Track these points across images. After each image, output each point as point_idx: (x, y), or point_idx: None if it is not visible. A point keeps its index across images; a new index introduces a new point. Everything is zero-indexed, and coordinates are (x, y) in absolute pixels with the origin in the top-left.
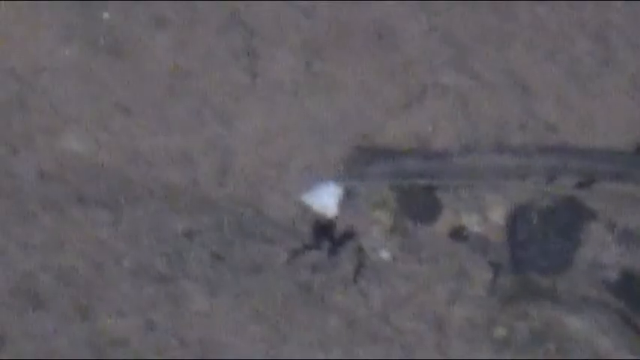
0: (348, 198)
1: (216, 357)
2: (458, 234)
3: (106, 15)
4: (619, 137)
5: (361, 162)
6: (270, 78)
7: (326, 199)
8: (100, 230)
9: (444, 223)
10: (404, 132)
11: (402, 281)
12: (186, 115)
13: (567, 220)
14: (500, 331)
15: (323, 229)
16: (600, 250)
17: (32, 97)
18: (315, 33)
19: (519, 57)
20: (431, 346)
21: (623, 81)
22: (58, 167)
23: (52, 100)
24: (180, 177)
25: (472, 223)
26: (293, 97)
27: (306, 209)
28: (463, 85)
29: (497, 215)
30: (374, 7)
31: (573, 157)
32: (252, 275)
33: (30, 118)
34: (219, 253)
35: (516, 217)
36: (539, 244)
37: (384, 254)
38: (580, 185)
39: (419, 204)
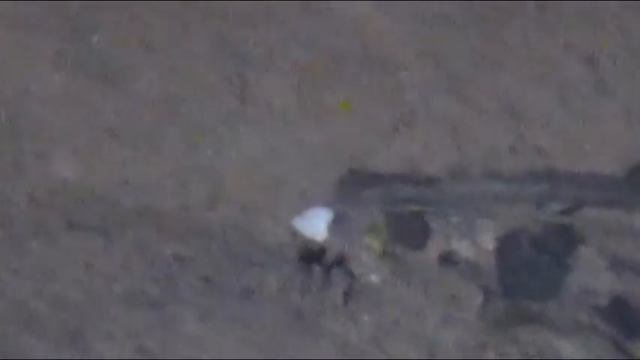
0: (338, 223)
1: None
2: (448, 259)
3: (95, 40)
4: (610, 162)
5: (352, 187)
6: (260, 103)
7: (316, 224)
8: (90, 256)
9: (434, 249)
10: (394, 157)
11: (392, 306)
12: (176, 141)
13: (557, 246)
14: (491, 355)
15: (313, 254)
16: (590, 277)
17: (22, 123)
18: (306, 58)
19: (510, 82)
20: None
21: (615, 106)
22: (48, 193)
23: (42, 126)
24: (170, 202)
25: (462, 248)
26: (283, 121)
27: (295, 234)
28: (453, 110)
29: (487, 241)
30: (365, 33)
31: (563, 184)
32: (242, 300)
33: (20, 144)
34: (209, 277)
35: (506, 243)
36: (529, 269)
37: (374, 279)
38: (568, 211)
39: (409, 230)
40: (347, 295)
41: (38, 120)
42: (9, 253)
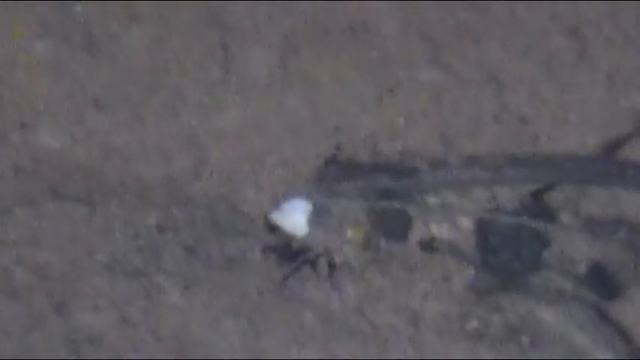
0: (318, 216)
1: (190, 351)
2: (429, 245)
3: (78, 9)
4: (592, 131)
5: (331, 179)
6: (245, 73)
7: (296, 218)
8: (74, 225)
9: (414, 236)
10: (378, 126)
11: (377, 277)
12: (161, 111)
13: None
14: (474, 324)
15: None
16: (568, 246)
17: (6, 93)
18: (291, 29)
19: (494, 52)
20: (405, 340)
21: (598, 76)
22: (33, 163)
23: (27, 96)
24: (154, 172)
25: (442, 232)
26: (268, 92)
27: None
28: (437, 79)
29: (467, 223)
30: (349, 4)
31: (540, 167)
32: (226, 270)
33: (4, 113)
34: (193, 247)
35: (485, 223)
36: (509, 246)
37: (356, 265)
38: (544, 191)
39: (391, 222)
40: (332, 266)
41: (23, 90)
42: None
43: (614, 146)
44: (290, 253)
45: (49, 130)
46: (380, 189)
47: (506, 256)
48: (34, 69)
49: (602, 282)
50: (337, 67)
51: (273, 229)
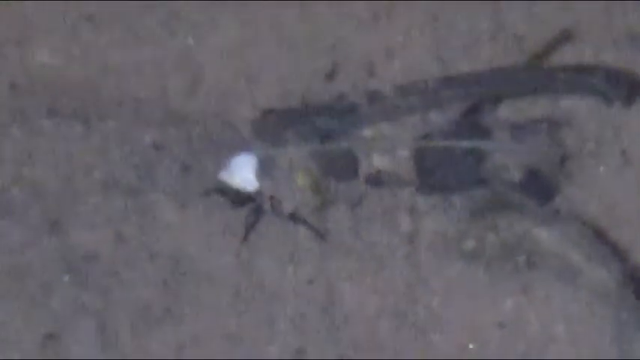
0: (265, 168)
1: (185, 269)
2: (376, 179)
3: None
4: (590, 48)
5: (273, 127)
6: None
7: (243, 173)
8: (70, 143)
9: (363, 173)
10: (374, 44)
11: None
12: (156, 28)
13: (469, 138)
14: (470, 244)
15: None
16: (500, 157)
17: (1, 11)
18: None
19: None
20: (401, 259)
21: None
22: (28, 80)
23: (22, 13)
24: (149, 89)
25: (385, 164)
26: (264, 9)
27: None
28: None
29: (405, 151)
30: None
31: (473, 85)
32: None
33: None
34: (188, 165)
35: (422, 147)
36: (446, 165)
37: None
38: (473, 108)
39: (338, 163)
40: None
41: (18, 7)
42: None
43: (540, 54)
44: (240, 198)
45: (45, 47)
46: (320, 130)
47: (444, 173)
48: None
49: (538, 185)
50: None
51: (223, 189)
